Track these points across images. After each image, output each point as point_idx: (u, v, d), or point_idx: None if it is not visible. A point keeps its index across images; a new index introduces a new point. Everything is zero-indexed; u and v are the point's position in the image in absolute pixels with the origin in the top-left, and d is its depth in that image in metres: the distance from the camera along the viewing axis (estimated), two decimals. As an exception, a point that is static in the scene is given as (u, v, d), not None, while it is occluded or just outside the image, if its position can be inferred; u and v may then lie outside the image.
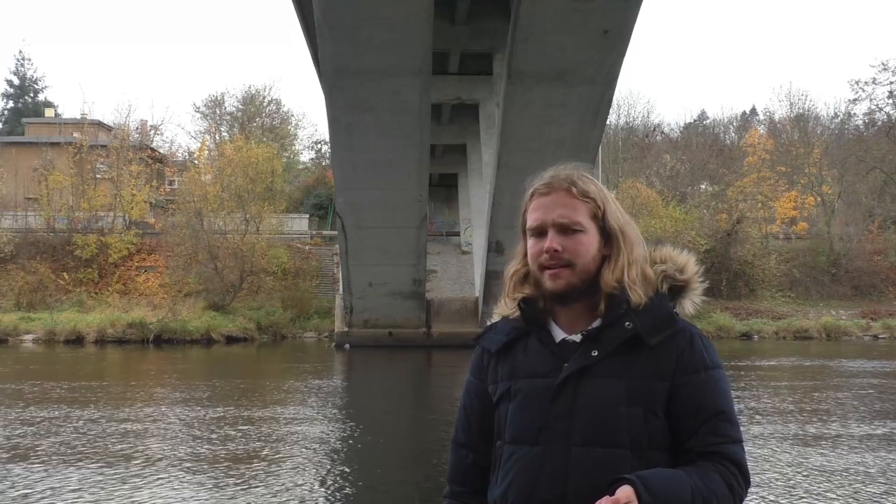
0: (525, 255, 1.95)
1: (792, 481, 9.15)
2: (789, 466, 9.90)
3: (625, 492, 1.67)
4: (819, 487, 8.91)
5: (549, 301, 1.91)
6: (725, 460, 1.81)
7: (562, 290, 1.86)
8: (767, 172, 45.27)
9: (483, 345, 2.00)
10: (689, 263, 1.97)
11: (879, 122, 47.36)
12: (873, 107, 46.56)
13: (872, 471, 9.64)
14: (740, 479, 1.82)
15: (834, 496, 8.56)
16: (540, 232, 1.89)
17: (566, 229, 1.86)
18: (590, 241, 1.88)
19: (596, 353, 1.84)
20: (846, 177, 44.75)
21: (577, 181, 1.89)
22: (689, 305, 1.95)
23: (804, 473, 9.54)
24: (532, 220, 1.91)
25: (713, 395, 1.85)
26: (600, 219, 1.89)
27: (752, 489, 7.83)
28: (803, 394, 17.02)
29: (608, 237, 1.90)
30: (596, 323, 1.88)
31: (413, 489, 9.35)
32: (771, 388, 17.91)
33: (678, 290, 1.95)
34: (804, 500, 8.39)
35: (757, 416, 13.74)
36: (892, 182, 44.94)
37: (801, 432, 12.24)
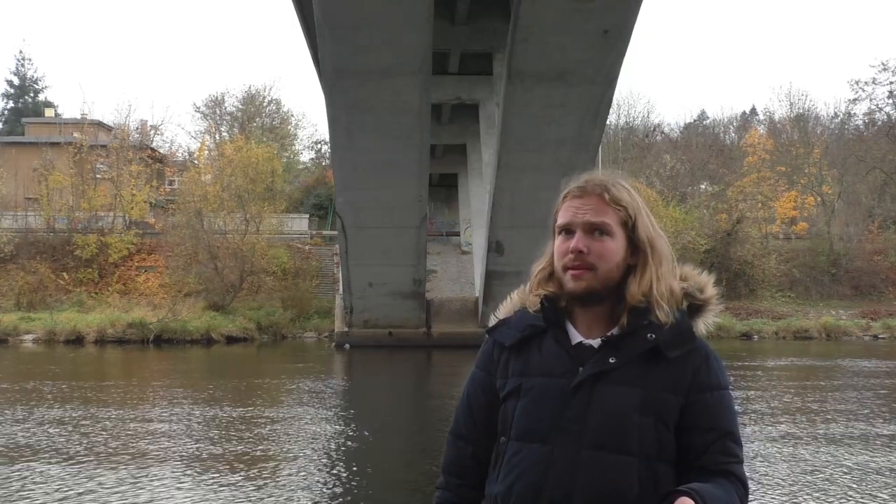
0: (552, 254, 1.96)
1: (840, 481, 9.20)
2: (829, 466, 9.96)
3: (684, 501, 1.69)
4: (864, 487, 8.96)
5: (569, 301, 1.92)
6: (735, 479, 1.84)
7: (582, 292, 1.88)
8: (767, 172, 45.27)
9: (496, 338, 2.00)
10: (709, 284, 1.99)
11: (879, 122, 47.42)
12: (873, 107, 46.65)
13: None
14: (744, 498, 1.87)
15: (882, 496, 8.61)
16: (568, 231, 1.91)
17: (593, 232, 1.88)
18: (616, 248, 1.89)
19: (614, 360, 1.85)
20: (846, 177, 44.76)
21: (611, 188, 1.91)
22: (702, 326, 1.96)
23: (844, 472, 9.60)
24: (561, 219, 1.92)
25: (724, 415, 1.88)
26: (630, 228, 1.91)
27: (797, 489, 7.89)
28: (825, 393, 17.05)
29: (636, 248, 1.91)
30: (615, 330, 1.89)
31: (413, 489, 9.35)
32: (792, 388, 17.90)
33: (695, 308, 1.96)
34: (852, 499, 8.44)
35: (784, 416, 13.80)
36: (892, 182, 44.95)
37: (829, 432, 12.28)
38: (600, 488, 1.78)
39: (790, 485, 8.94)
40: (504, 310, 2.04)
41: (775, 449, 10.83)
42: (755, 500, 8.14)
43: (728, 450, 1.85)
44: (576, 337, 1.92)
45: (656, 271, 1.89)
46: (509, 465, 1.87)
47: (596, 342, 1.89)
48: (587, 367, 1.85)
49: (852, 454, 10.61)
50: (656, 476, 1.80)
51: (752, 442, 11.08)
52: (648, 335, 1.85)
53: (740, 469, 1.86)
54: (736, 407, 1.95)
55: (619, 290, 1.89)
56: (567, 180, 1.98)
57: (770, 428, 12.45)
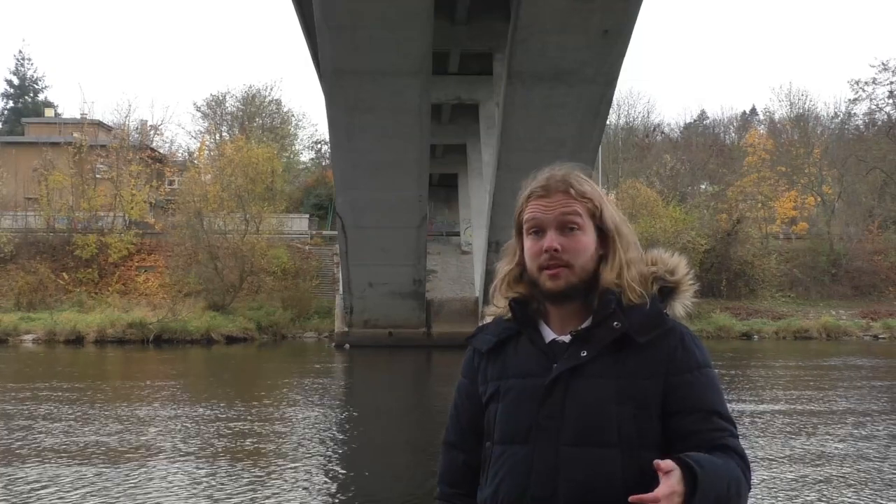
0: (518, 254, 1.96)
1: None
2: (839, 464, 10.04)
3: (668, 464, 1.66)
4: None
5: (545, 301, 1.91)
6: (732, 451, 1.81)
7: (561, 290, 1.87)
8: (767, 172, 45.30)
9: (474, 345, 2.02)
10: (679, 265, 1.97)
11: (879, 122, 47.45)
12: (873, 107, 46.70)
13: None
14: (746, 470, 1.82)
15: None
16: (538, 231, 1.90)
17: (565, 229, 1.87)
18: (588, 241, 1.88)
19: (585, 354, 1.84)
20: (846, 177, 44.78)
21: (574, 182, 1.90)
22: (679, 307, 1.95)
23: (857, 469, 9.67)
24: (530, 220, 1.91)
25: (708, 392, 1.85)
26: (598, 218, 1.90)
27: (861, 486, 7.79)
28: (866, 393, 17.09)
29: (604, 236, 1.91)
30: (586, 323, 1.89)
31: (413, 488, 9.36)
32: (829, 388, 17.88)
33: (669, 291, 1.95)
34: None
35: (832, 416, 13.81)
36: (892, 182, 44.95)
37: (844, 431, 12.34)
38: (583, 483, 1.77)
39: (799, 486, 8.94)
40: (488, 317, 2.04)
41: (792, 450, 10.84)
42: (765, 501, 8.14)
43: (718, 426, 1.82)
44: (549, 335, 1.91)
45: (625, 256, 1.90)
46: (494, 468, 1.88)
47: (567, 337, 1.88)
48: (560, 364, 1.85)
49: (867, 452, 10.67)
50: (641, 464, 1.78)
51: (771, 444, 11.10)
52: (615, 324, 1.84)
53: (735, 442, 1.83)
54: (721, 385, 1.91)
55: (593, 282, 1.89)
56: (527, 179, 1.97)
57: (784, 430, 12.45)
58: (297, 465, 10.17)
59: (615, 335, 1.84)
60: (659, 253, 1.99)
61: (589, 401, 1.81)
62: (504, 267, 1.99)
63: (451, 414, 2.04)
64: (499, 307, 1.99)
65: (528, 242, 1.92)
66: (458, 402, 2.03)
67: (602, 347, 1.84)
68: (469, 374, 2.01)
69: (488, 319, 2.04)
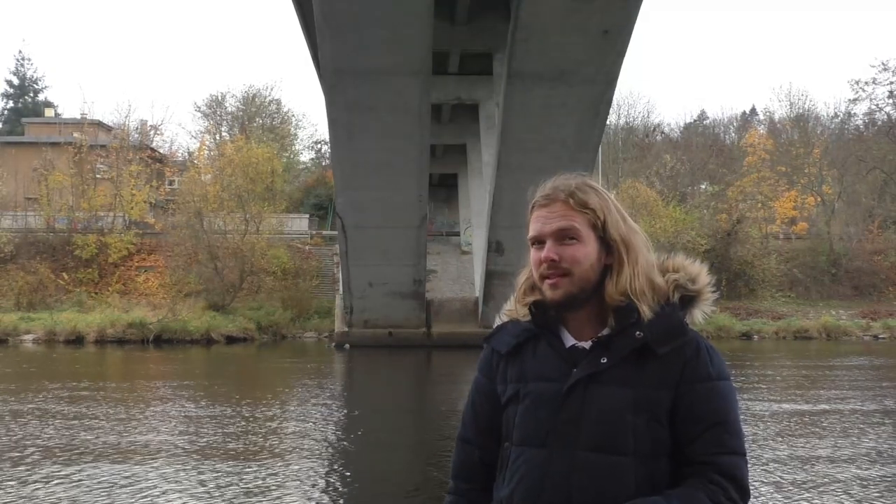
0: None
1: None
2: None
3: None
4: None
5: (553, 309, 1.93)
6: (717, 474, 1.79)
7: (560, 300, 1.88)
8: (767, 172, 45.33)
9: (493, 345, 2.02)
10: (701, 273, 1.97)
11: (879, 122, 47.47)
12: (873, 107, 46.75)
13: None
14: (734, 493, 1.79)
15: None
16: (539, 242, 1.92)
17: (562, 239, 1.88)
18: (587, 251, 1.88)
19: (605, 361, 1.85)
20: (846, 177, 44.80)
21: (576, 192, 1.90)
22: (699, 315, 1.96)
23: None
24: (531, 230, 1.93)
25: (715, 404, 1.84)
26: (600, 229, 1.90)
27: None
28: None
29: (609, 247, 1.90)
30: (606, 330, 1.89)
31: (413, 488, 9.36)
32: (868, 388, 17.90)
33: (689, 299, 1.95)
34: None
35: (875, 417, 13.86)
36: (892, 182, 44.97)
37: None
38: (596, 490, 1.78)
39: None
40: (506, 310, 2.05)
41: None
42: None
43: (717, 440, 1.81)
44: (569, 340, 1.93)
45: (633, 269, 1.89)
46: (511, 470, 1.89)
47: (588, 344, 1.89)
48: (579, 369, 1.86)
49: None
50: (652, 473, 1.80)
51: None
52: (637, 333, 1.85)
53: (731, 460, 1.81)
54: (735, 397, 1.89)
55: (601, 291, 1.89)
56: (534, 188, 1.97)
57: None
58: (297, 464, 10.18)
59: (636, 345, 1.84)
60: (681, 260, 1.99)
61: (605, 408, 1.82)
62: (522, 275, 2.01)
63: (468, 411, 2.06)
64: (518, 312, 2.00)
65: (531, 253, 1.94)
66: (476, 400, 2.04)
67: (622, 356, 1.85)
68: (487, 372, 2.02)
69: (504, 318, 2.05)
